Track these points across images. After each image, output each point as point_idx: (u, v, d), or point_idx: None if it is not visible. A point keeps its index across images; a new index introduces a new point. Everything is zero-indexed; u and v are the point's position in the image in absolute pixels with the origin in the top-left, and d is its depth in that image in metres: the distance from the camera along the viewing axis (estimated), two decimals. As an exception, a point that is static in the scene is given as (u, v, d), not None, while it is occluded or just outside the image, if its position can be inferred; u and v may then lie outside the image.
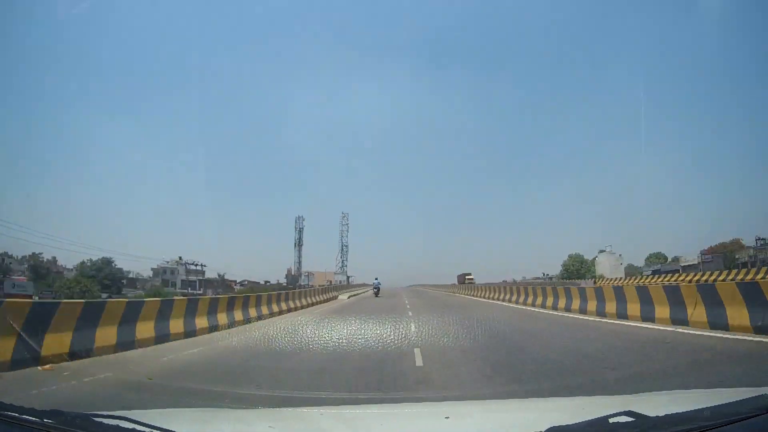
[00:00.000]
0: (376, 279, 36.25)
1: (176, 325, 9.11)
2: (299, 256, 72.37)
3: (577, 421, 1.47)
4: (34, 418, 1.52)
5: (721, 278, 25.14)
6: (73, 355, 6.45)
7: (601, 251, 66.26)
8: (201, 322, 10.03)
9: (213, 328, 10.33)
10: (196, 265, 72.84)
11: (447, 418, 2.10)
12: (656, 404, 2.03)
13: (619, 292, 11.41)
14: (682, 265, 52.43)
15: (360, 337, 8.49)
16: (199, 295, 47.11)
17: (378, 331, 9.25)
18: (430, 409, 2.75)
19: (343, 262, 76.41)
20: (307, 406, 3.64)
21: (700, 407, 1.52)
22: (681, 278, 30.94)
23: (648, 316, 9.79)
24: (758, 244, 48.26)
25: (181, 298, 11.98)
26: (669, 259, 61.67)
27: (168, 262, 71.41)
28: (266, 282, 74.25)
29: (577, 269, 66.19)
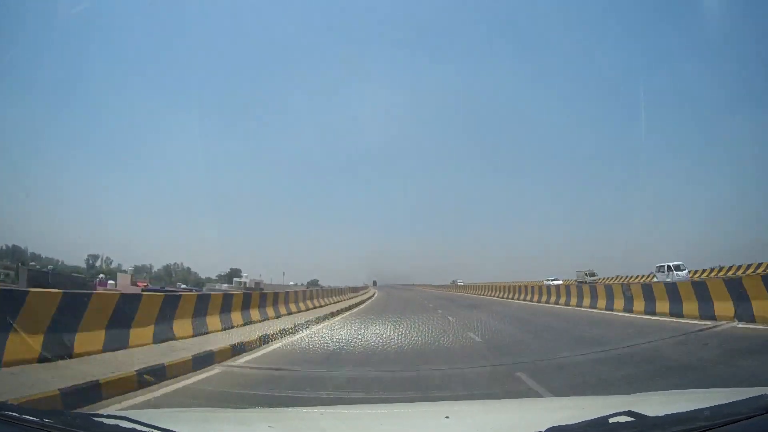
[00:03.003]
0: None
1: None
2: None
3: (577, 421, 1.47)
4: (34, 418, 1.53)
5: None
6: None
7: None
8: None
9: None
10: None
11: (447, 418, 2.10)
12: (656, 404, 2.03)
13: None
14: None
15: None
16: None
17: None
18: (430, 409, 2.74)
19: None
20: (307, 406, 3.64)
21: (699, 407, 1.53)
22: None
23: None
24: None
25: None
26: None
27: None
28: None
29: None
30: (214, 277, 75.77)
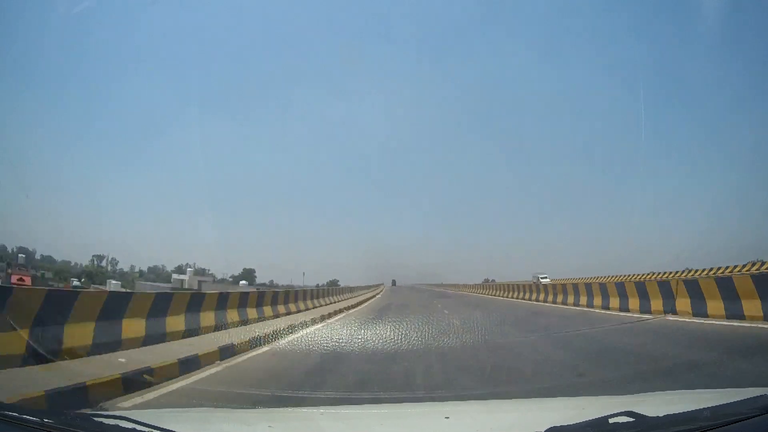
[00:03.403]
0: None
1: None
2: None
3: (577, 422, 1.47)
4: (34, 418, 1.53)
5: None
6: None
7: None
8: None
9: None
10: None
11: (447, 418, 2.10)
12: (656, 404, 2.04)
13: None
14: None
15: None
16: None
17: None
18: (430, 409, 2.75)
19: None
20: (307, 406, 3.64)
21: (700, 407, 1.53)
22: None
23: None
24: None
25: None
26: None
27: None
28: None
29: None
30: (228, 278, 75.89)
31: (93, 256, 74.11)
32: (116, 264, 76.02)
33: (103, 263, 74.63)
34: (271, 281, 74.56)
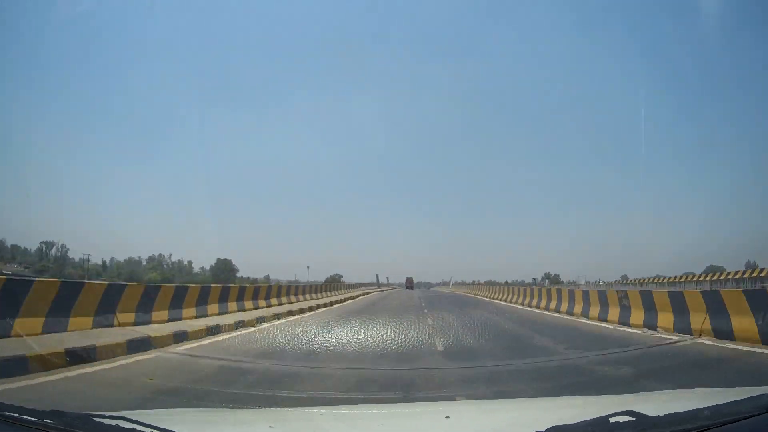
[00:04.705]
0: None
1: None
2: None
3: (578, 421, 1.47)
4: (34, 419, 1.52)
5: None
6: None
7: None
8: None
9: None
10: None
11: (447, 417, 2.09)
12: (657, 404, 2.03)
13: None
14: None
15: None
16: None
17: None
18: (430, 409, 2.74)
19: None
20: (307, 406, 3.64)
21: (700, 406, 1.53)
22: None
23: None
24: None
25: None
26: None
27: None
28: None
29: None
30: (207, 269, 74.65)
31: (41, 242, 70.02)
32: (66, 251, 71.18)
33: (53, 251, 70.64)
34: (267, 276, 73.11)
